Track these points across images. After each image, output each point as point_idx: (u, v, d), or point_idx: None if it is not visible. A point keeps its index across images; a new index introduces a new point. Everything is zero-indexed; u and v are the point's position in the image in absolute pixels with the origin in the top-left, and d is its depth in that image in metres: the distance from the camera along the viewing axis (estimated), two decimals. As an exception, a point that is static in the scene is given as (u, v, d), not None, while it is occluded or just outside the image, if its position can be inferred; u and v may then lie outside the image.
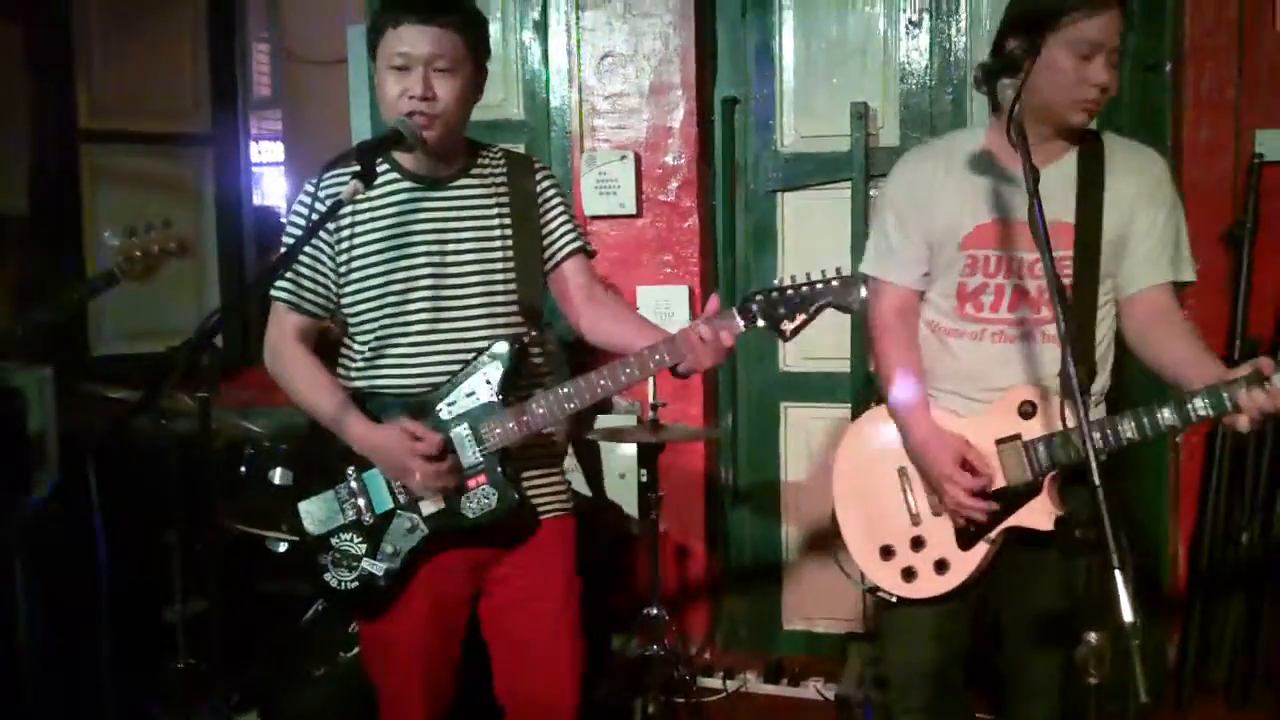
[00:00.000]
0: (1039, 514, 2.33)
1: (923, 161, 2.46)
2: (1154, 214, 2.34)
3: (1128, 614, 1.66)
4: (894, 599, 2.46)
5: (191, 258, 3.11)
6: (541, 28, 4.14)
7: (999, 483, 2.35)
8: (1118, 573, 1.66)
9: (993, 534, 2.37)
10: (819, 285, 2.17)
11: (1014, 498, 2.34)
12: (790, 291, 2.18)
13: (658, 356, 2.22)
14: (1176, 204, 2.38)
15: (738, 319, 2.20)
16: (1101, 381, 2.39)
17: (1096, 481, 1.75)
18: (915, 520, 2.44)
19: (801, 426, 4.16)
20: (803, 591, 4.21)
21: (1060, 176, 2.32)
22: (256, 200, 6.25)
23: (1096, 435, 2.19)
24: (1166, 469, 3.64)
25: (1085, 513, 1.93)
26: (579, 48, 4.10)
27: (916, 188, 2.43)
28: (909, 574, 2.44)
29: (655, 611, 3.62)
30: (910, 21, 3.85)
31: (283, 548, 3.32)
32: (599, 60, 4.10)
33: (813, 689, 3.91)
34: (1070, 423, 2.15)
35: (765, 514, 4.24)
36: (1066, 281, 2.30)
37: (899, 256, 2.44)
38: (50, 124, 4.57)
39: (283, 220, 6.73)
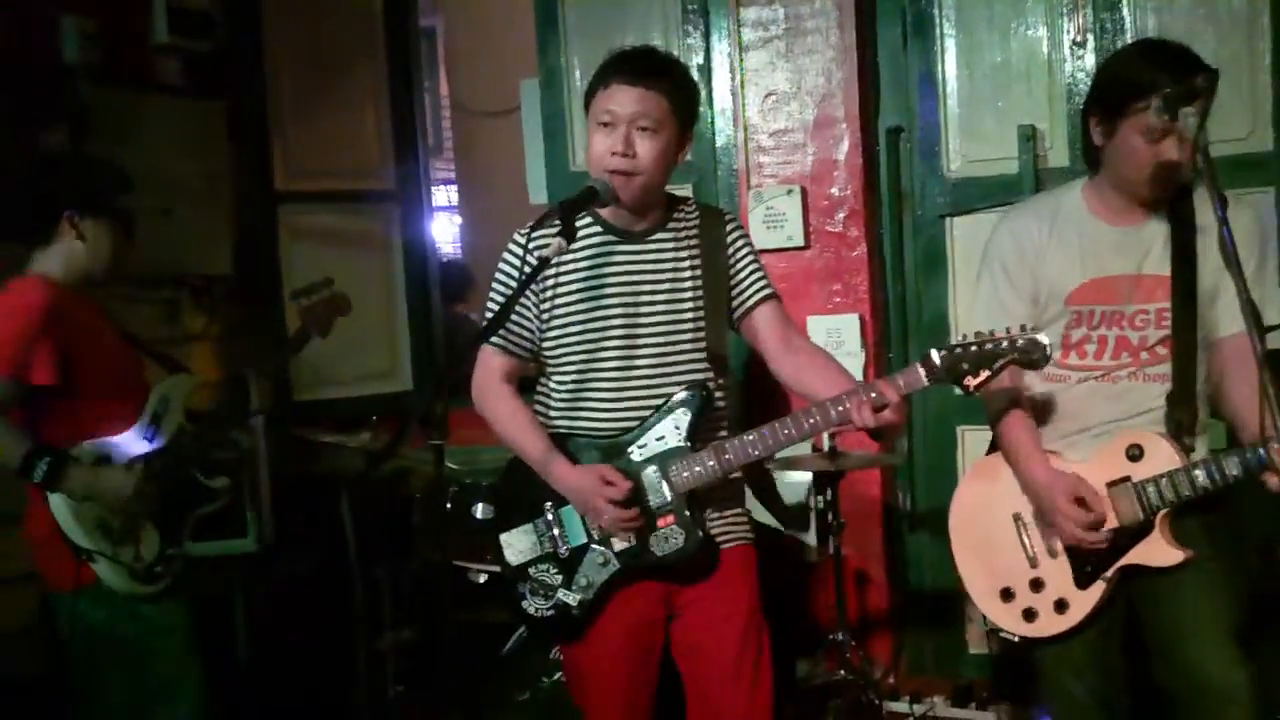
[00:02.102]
0: (1154, 551, 2.44)
1: (1028, 220, 2.59)
2: (1242, 264, 2.39)
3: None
4: (1016, 639, 2.58)
5: (347, 313, 3.26)
6: (705, 71, 4.26)
7: (1111, 523, 2.45)
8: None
9: (1109, 572, 2.48)
10: (1004, 343, 2.24)
11: (1128, 537, 2.45)
12: (974, 348, 2.25)
13: (840, 408, 2.30)
14: (1265, 254, 2.49)
15: (921, 374, 2.27)
16: (1203, 417, 2.50)
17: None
18: (1033, 563, 2.56)
19: (979, 449, 4.10)
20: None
21: (1154, 233, 2.48)
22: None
23: (1200, 473, 2.37)
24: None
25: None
26: (743, 88, 4.21)
27: (1023, 246, 2.56)
28: (1029, 615, 2.56)
29: (840, 637, 3.66)
30: (1075, 42, 3.83)
31: (483, 579, 3.49)
32: (763, 99, 4.20)
33: (1003, 713, 3.88)
34: (1179, 462, 2.38)
35: (945, 538, 4.22)
36: (1165, 331, 2.46)
37: (1009, 312, 2.51)
38: (250, 189, 4.90)
39: (463, 263, 7.05)
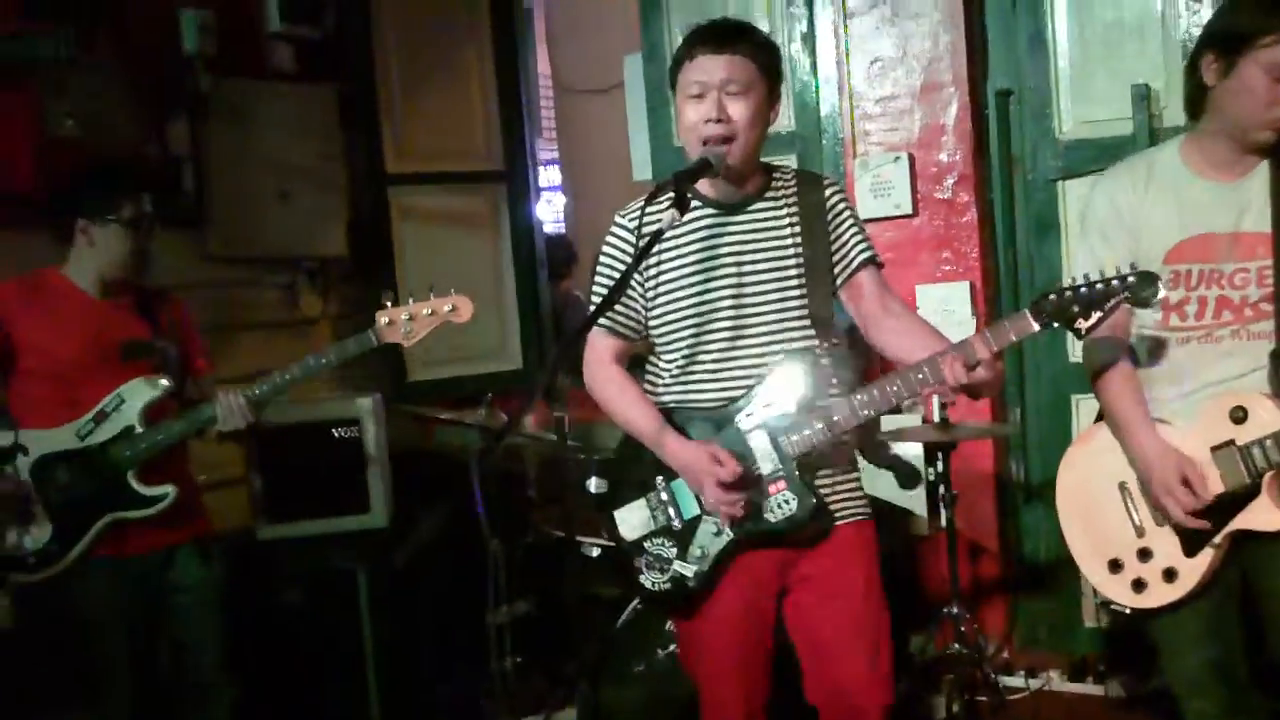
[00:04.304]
0: (1262, 514, 2.36)
1: (1123, 180, 2.52)
2: None
3: None
4: (1127, 611, 2.53)
5: (466, 319, 3.05)
6: (809, 39, 4.24)
7: (1216, 489, 2.38)
8: None
9: (1217, 538, 2.42)
10: (1114, 282, 2.18)
11: (1234, 501, 2.38)
12: (1084, 289, 2.19)
13: (933, 367, 2.27)
14: None
15: (1031, 320, 2.23)
16: None
17: None
18: (1140, 532, 2.51)
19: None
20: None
21: (1254, 188, 2.40)
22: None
23: None
24: None
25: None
26: (848, 56, 4.18)
27: (1119, 206, 2.49)
28: (1139, 585, 2.50)
29: (954, 610, 3.63)
30: (1190, -3, 3.72)
31: (595, 552, 3.54)
32: (868, 65, 4.16)
33: (1121, 687, 3.81)
34: None
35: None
36: (1267, 289, 2.38)
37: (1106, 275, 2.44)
38: (362, 171, 4.98)
39: (566, 237, 7.11)
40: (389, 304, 3.02)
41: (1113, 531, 2.54)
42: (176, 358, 3.11)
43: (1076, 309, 2.19)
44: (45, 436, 2.94)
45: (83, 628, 2.99)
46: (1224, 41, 2.34)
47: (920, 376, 2.30)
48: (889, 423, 3.98)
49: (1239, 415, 2.38)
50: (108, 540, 2.97)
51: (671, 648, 3.32)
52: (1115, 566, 2.53)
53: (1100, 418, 2.63)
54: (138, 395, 2.98)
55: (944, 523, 3.66)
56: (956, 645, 3.62)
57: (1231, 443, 2.38)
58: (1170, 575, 2.46)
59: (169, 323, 3.17)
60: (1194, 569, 2.44)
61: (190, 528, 3.14)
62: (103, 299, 3.05)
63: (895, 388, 2.33)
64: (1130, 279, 2.17)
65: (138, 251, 3.03)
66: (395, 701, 3.79)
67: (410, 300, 3.02)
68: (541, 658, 3.72)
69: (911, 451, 4.04)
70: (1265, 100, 2.29)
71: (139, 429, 2.97)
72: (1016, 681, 3.93)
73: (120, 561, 3.00)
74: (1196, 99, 2.43)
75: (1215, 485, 2.39)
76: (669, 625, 3.33)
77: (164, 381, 3.02)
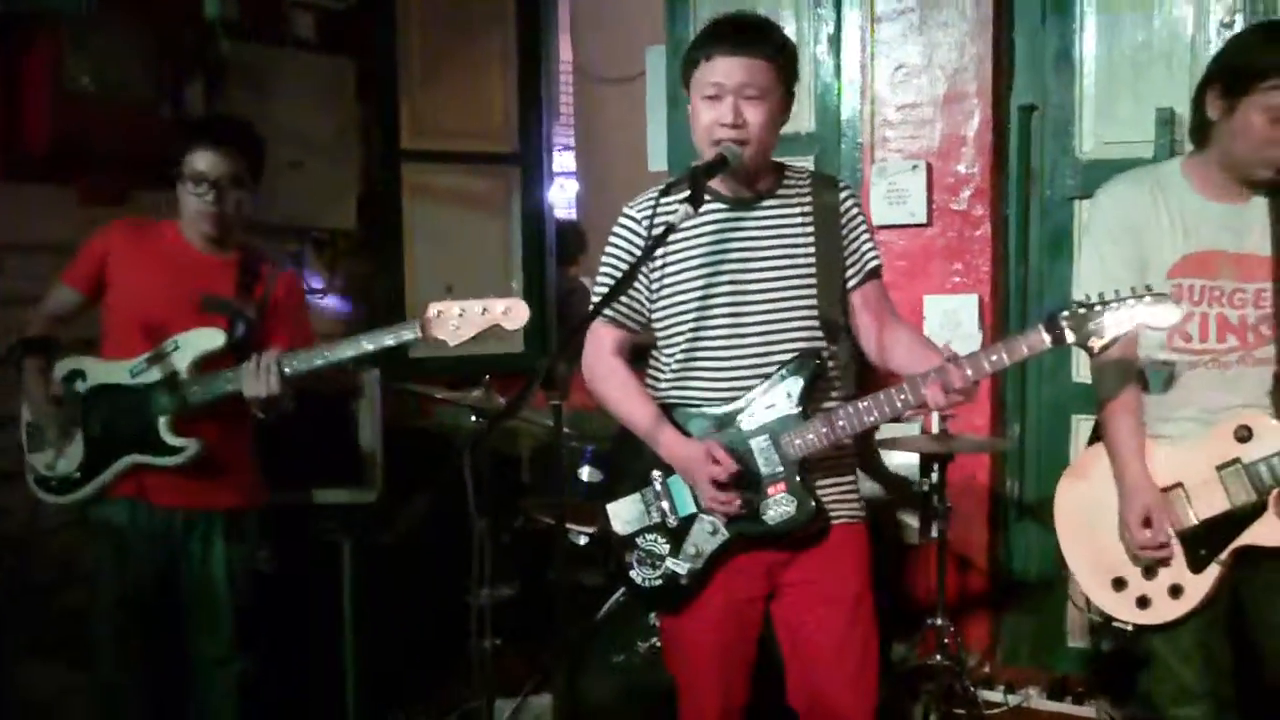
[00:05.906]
0: (1268, 530, 2.40)
1: (1131, 190, 2.55)
2: None
3: None
4: (1130, 629, 2.54)
5: (518, 326, 2.89)
6: (835, 42, 4.22)
7: (1223, 506, 2.41)
8: None
9: (1223, 555, 2.43)
10: (1130, 301, 2.18)
11: (1242, 518, 2.41)
12: (1099, 308, 2.19)
13: (920, 387, 2.27)
14: None
15: (1044, 335, 2.22)
16: None
17: None
18: None
19: (1095, 441, 4.04)
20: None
21: (1257, 212, 2.44)
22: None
23: None
24: None
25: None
26: (873, 61, 4.16)
27: (1128, 213, 2.52)
28: (1143, 602, 2.52)
29: (938, 622, 3.62)
30: (1222, 23, 3.68)
31: (583, 540, 3.52)
32: (893, 71, 4.14)
33: (1099, 710, 3.80)
34: None
35: (1052, 529, 4.14)
36: (1264, 311, 2.42)
37: (1117, 281, 2.41)
38: (376, 146, 4.97)
39: (576, 223, 7.09)
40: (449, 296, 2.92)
41: (1117, 549, 2.54)
42: (250, 321, 3.05)
43: (1090, 328, 2.19)
44: (102, 368, 2.98)
45: (91, 567, 3.03)
46: (1228, 80, 2.38)
47: (904, 399, 2.30)
48: (887, 431, 3.96)
49: (1244, 434, 2.41)
50: (130, 482, 2.98)
51: (652, 641, 3.31)
52: (1120, 585, 2.54)
53: (1094, 439, 2.64)
54: (192, 346, 2.95)
55: (935, 534, 3.64)
56: (938, 656, 3.60)
57: (1237, 461, 2.41)
58: (1176, 591, 2.48)
59: (266, 292, 3.10)
60: (1199, 584, 2.46)
61: (225, 498, 3.09)
62: (206, 253, 3.05)
63: (904, 397, 2.31)
64: (1146, 299, 2.17)
65: (205, 209, 2.97)
66: (372, 676, 3.77)
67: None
68: (521, 642, 3.71)
69: (907, 461, 4.02)
70: (1264, 140, 2.34)
71: (184, 378, 2.94)
72: (996, 696, 3.92)
73: (139, 505, 2.99)
74: (1201, 129, 2.47)
75: (1220, 503, 2.42)
76: (650, 618, 3.32)
77: (221, 335, 2.98)
